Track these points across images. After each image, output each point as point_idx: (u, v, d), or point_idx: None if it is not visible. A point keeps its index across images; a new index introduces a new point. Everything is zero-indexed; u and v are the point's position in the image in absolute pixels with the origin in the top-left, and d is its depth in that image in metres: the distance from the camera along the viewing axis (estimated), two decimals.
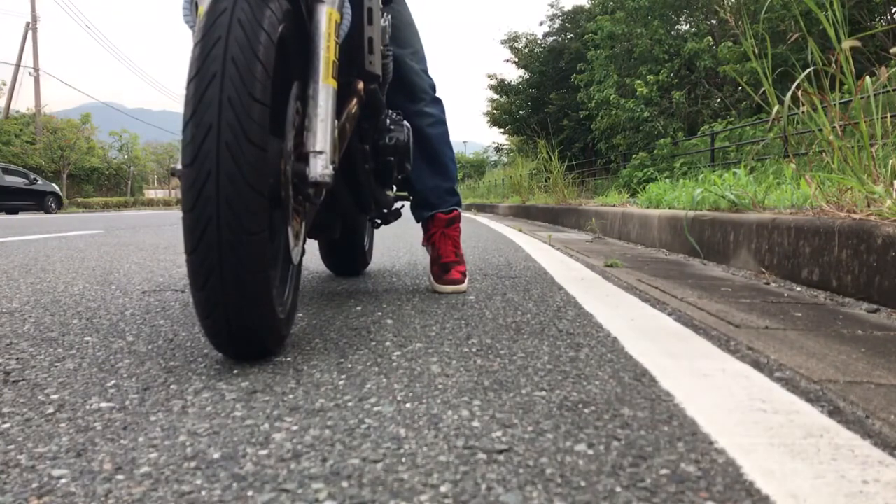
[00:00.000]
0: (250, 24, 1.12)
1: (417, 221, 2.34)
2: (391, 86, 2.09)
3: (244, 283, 1.10)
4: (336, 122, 1.43)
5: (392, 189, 2.42)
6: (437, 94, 2.27)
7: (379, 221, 2.51)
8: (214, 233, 1.07)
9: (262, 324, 1.18)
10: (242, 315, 1.13)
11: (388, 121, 2.03)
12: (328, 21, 1.39)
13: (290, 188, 1.32)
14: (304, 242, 1.54)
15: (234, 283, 1.09)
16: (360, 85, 1.66)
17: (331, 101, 1.38)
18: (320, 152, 1.35)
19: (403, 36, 2.17)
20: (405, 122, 2.11)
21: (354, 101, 1.64)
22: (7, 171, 20.54)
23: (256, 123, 1.09)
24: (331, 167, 1.36)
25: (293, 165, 1.34)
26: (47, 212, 20.74)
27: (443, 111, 2.28)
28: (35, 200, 21.02)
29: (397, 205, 2.49)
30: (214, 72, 1.08)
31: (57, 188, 22.82)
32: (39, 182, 21.76)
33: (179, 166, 1.11)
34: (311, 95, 1.37)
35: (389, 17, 1.88)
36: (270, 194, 1.18)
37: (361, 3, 1.60)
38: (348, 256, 2.65)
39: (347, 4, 1.52)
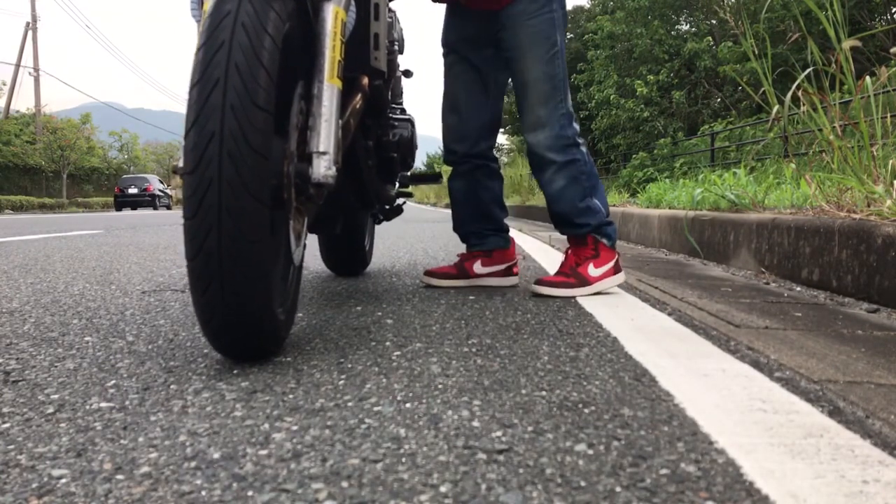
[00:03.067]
0: (254, 28, 1.10)
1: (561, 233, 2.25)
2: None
3: (244, 290, 1.10)
4: (340, 120, 1.41)
5: (394, 185, 2.41)
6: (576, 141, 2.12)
7: (381, 217, 2.51)
8: (215, 241, 1.07)
9: (263, 327, 1.18)
10: (243, 320, 1.13)
11: (391, 117, 2.02)
12: (334, 20, 1.36)
13: (292, 189, 1.31)
14: (306, 239, 1.53)
15: (235, 290, 1.09)
16: (365, 80, 1.65)
17: (335, 100, 1.36)
18: (324, 153, 1.33)
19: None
20: (410, 118, 2.09)
21: (359, 96, 1.62)
22: (159, 181, 30.82)
23: (259, 131, 1.08)
24: (334, 168, 1.34)
25: (296, 166, 1.33)
26: (169, 208, 28.98)
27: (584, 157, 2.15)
28: (167, 199, 30.07)
29: (399, 201, 2.48)
30: (217, 78, 1.07)
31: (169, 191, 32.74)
32: (167, 187, 32.30)
33: (180, 164, 1.10)
34: (315, 95, 1.35)
35: (396, 13, 1.87)
36: (272, 198, 1.17)
37: None
38: (349, 256, 2.65)
39: (353, 2, 1.50)
